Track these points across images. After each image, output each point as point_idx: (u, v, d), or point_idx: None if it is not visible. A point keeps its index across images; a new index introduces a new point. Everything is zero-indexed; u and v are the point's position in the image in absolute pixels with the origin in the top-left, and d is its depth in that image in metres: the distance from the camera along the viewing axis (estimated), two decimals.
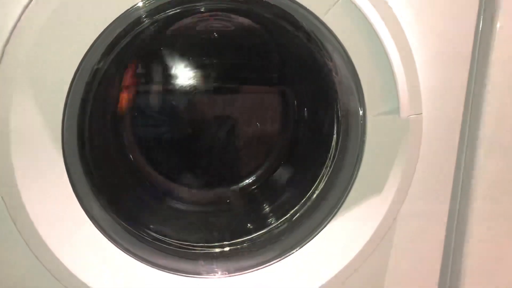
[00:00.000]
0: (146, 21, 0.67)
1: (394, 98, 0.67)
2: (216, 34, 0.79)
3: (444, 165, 0.74)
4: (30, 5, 0.58)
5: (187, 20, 0.76)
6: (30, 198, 0.62)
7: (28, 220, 0.62)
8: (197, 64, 0.81)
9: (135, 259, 0.70)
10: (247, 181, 0.88)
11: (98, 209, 0.70)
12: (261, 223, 0.82)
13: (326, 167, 0.78)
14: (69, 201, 0.65)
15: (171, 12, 0.69)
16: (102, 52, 0.64)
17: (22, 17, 0.58)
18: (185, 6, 0.69)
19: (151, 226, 0.77)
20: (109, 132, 0.79)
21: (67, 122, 0.63)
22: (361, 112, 0.69)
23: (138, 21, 0.66)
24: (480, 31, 0.72)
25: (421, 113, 0.69)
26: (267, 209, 0.84)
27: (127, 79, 0.78)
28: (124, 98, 0.79)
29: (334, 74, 0.72)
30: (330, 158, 0.77)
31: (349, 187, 0.72)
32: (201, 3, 0.70)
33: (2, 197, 0.61)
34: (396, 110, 0.68)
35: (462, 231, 0.77)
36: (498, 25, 0.71)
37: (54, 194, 0.64)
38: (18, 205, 0.61)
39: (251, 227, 0.81)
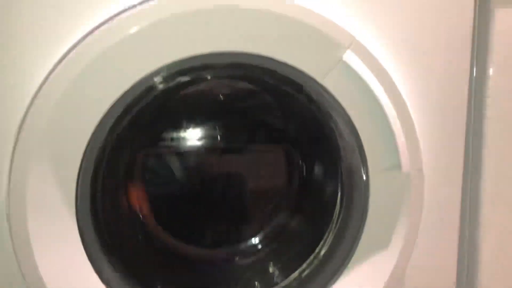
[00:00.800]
0: (158, 89, 0.71)
1: (395, 155, 0.70)
2: (222, 97, 0.83)
3: (448, 217, 0.76)
4: (47, 82, 0.62)
5: (195, 86, 0.81)
6: (45, 263, 0.64)
7: (41, 284, 0.63)
8: (205, 125, 0.85)
9: None
10: (254, 239, 0.89)
11: (110, 272, 0.71)
12: (268, 281, 0.82)
13: (333, 223, 0.79)
14: (82, 264, 0.66)
15: (181, 80, 0.74)
16: (114, 119, 0.68)
17: (39, 93, 0.62)
18: (195, 74, 0.74)
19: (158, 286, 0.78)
20: (120, 194, 0.82)
21: (81, 187, 0.65)
22: (363, 169, 0.72)
23: (150, 89, 0.70)
24: (474, 87, 0.77)
25: (421, 168, 0.71)
26: (274, 267, 0.85)
27: (138, 143, 0.82)
28: (135, 160, 0.83)
29: (335, 133, 0.75)
30: (336, 215, 0.79)
31: (356, 243, 0.73)
32: (209, 71, 0.75)
33: (18, 262, 0.63)
34: (397, 166, 0.70)
35: (471, 281, 0.78)
36: (490, 84, 0.75)
37: (68, 259, 0.66)
38: (33, 271, 0.63)
39: (258, 286, 0.81)
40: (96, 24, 0.63)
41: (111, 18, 0.63)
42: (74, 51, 0.62)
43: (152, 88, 0.70)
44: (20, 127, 0.62)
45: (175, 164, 0.86)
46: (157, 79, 0.69)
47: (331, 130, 0.76)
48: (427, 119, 0.72)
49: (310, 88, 0.71)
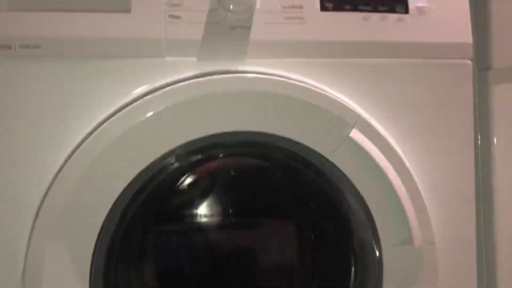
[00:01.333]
0: (171, 168, 0.73)
1: (406, 230, 0.70)
2: (233, 173, 0.85)
3: None
4: (66, 165, 0.65)
5: (206, 164, 0.83)
6: None
7: None
8: (217, 202, 0.86)
9: None
10: None
11: None
12: None
13: None
14: None
15: (194, 158, 0.76)
16: (128, 200, 0.70)
17: (60, 173, 0.65)
18: (207, 152, 0.76)
19: None
20: (132, 274, 0.82)
21: (95, 267, 0.66)
22: (376, 245, 0.72)
23: (163, 169, 0.72)
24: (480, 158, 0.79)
25: (434, 242, 0.72)
26: None
27: (150, 221, 0.83)
28: (148, 239, 0.83)
29: (346, 208, 0.76)
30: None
31: None
32: (220, 149, 0.78)
33: None
34: (409, 241, 0.70)
35: None
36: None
37: None
38: None
39: None
40: (113, 110, 0.67)
41: (125, 106, 0.67)
42: (92, 135, 0.65)
43: (165, 168, 0.73)
44: (39, 207, 0.64)
45: (187, 242, 0.86)
46: (171, 159, 0.72)
47: (341, 206, 0.77)
48: (436, 192, 0.74)
49: (320, 164, 0.73)
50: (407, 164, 0.72)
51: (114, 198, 0.66)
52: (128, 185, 0.66)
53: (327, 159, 0.70)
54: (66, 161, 0.65)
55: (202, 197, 0.86)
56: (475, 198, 0.76)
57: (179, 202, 0.86)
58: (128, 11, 0.66)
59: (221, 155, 0.81)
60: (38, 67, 0.65)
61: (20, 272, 0.64)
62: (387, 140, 0.71)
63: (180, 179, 0.82)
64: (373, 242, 0.72)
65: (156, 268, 0.85)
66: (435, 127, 0.74)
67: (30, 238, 0.64)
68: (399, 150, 0.72)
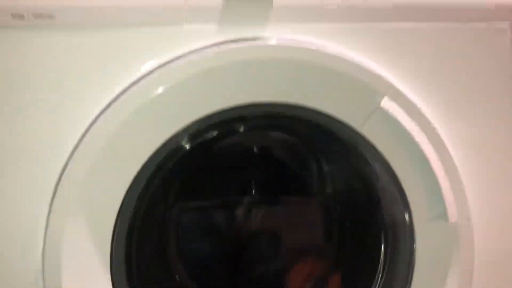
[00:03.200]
0: (191, 144, 0.71)
1: (440, 204, 0.67)
2: (256, 150, 0.82)
3: (503, 269, 0.71)
4: (82, 141, 0.62)
5: (227, 140, 0.80)
6: None
7: None
8: (239, 178, 0.83)
9: None
10: None
11: None
12: None
13: (376, 282, 0.75)
14: None
15: (214, 133, 0.73)
16: (148, 176, 0.67)
17: (80, 145, 0.62)
18: (229, 126, 0.73)
19: None
20: (154, 253, 0.80)
21: (115, 245, 0.64)
22: (407, 220, 0.68)
23: (181, 146, 0.69)
24: None
25: (470, 217, 0.68)
26: None
27: (171, 200, 0.80)
28: (168, 218, 0.81)
29: (376, 183, 0.73)
30: (380, 271, 0.75)
31: None
32: (242, 123, 0.74)
33: None
34: (444, 216, 0.67)
35: None
36: None
37: None
38: None
39: None
40: (131, 81, 0.64)
41: (143, 76, 0.64)
42: (110, 107, 0.63)
43: (185, 143, 0.70)
44: (57, 184, 0.62)
45: (209, 221, 0.84)
46: (191, 133, 0.69)
47: (371, 181, 0.73)
48: (472, 166, 0.69)
49: (348, 137, 0.70)
50: (442, 136, 0.67)
51: (134, 173, 0.64)
52: (149, 159, 0.63)
53: (356, 131, 0.67)
54: (84, 135, 0.62)
55: (224, 173, 0.83)
56: None
57: (200, 181, 0.83)
58: None
59: (242, 129, 0.77)
60: (51, 37, 0.62)
61: (40, 252, 0.62)
62: (420, 110, 0.67)
63: (201, 157, 0.80)
64: (405, 218, 0.68)
65: (178, 245, 0.83)
66: (471, 95, 0.69)
67: (48, 216, 0.62)
68: (433, 121, 0.68)
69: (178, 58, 0.63)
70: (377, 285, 0.75)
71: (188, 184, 0.82)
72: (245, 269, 0.85)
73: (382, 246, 0.75)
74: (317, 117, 0.68)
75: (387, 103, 0.65)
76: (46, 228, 0.61)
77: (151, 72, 0.63)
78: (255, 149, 0.83)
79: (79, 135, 0.62)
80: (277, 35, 0.64)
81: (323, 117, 0.67)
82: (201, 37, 0.63)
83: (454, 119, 0.69)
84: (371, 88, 0.65)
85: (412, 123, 0.66)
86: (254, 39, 0.64)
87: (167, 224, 0.81)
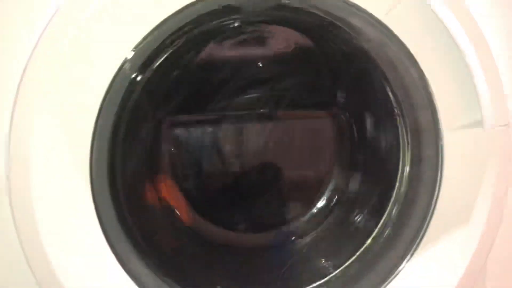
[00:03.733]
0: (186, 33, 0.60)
1: (475, 108, 0.57)
2: (259, 49, 0.71)
3: None
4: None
5: (223, 38, 0.69)
6: (51, 240, 0.53)
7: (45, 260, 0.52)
8: (238, 90, 0.73)
9: None
10: (302, 219, 0.77)
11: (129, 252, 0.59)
12: (317, 273, 0.69)
13: (395, 200, 0.66)
14: (96, 240, 0.55)
15: (205, 27, 0.63)
16: (137, 70, 0.57)
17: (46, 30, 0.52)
18: (221, 20, 0.63)
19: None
20: (143, 168, 0.71)
21: (96, 150, 0.54)
22: (434, 127, 0.59)
23: (177, 34, 0.59)
24: None
25: (508, 124, 0.58)
26: (325, 255, 0.72)
27: (162, 107, 0.70)
28: (160, 128, 0.71)
29: (399, 84, 0.62)
30: (399, 188, 0.66)
31: (427, 221, 0.60)
32: (239, 16, 0.64)
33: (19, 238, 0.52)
34: (478, 123, 0.57)
35: None
36: None
37: (81, 236, 0.55)
38: (36, 246, 0.52)
39: (305, 277, 0.68)
40: None
41: None
42: None
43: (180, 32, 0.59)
44: (24, 73, 0.52)
45: (207, 135, 0.74)
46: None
47: (393, 83, 0.63)
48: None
49: (368, 29, 0.59)
50: (482, 27, 0.57)
51: (117, 68, 0.53)
52: (137, 52, 0.53)
53: (379, 21, 0.56)
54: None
55: (219, 81, 0.73)
56: None
57: (196, 88, 0.73)
58: None
59: (237, 24, 0.66)
60: None
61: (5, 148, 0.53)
62: None
63: (197, 54, 0.69)
64: (432, 124, 0.59)
65: (171, 166, 0.74)
66: None
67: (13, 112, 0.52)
68: (472, 9, 0.57)
69: None
70: (396, 202, 0.66)
71: (180, 94, 0.72)
72: (246, 189, 0.76)
73: (401, 158, 0.66)
74: (331, 7, 0.57)
75: None
76: (10, 126, 0.52)
77: None
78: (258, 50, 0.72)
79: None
80: None
81: (339, 6, 0.56)
82: None
83: (497, 7, 0.58)
84: None
85: (447, 10, 0.55)
86: None
87: (156, 138, 0.71)
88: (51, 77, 0.52)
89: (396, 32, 0.56)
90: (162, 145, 0.73)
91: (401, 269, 0.61)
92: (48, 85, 0.51)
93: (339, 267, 0.67)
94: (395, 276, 0.61)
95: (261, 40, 0.71)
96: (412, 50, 0.57)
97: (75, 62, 0.52)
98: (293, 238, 0.76)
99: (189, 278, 0.66)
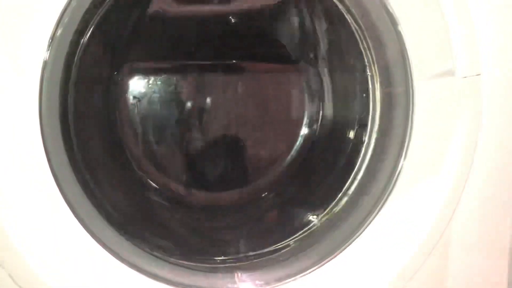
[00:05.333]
0: None
1: (447, 57, 0.56)
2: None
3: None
4: None
5: None
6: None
7: None
8: (206, 32, 0.69)
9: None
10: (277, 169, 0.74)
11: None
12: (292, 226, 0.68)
13: (365, 152, 0.65)
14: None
15: None
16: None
17: None
18: None
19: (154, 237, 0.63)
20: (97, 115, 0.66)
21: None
22: (406, 76, 0.57)
23: None
24: None
25: (480, 74, 0.58)
26: (296, 209, 0.70)
27: (121, 46, 0.65)
28: (121, 74, 0.66)
29: (370, 33, 0.60)
30: (368, 137, 0.64)
31: (397, 172, 0.59)
32: None
33: None
34: (451, 72, 0.56)
35: None
36: None
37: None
38: None
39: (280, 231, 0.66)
40: None
41: None
42: None
43: None
44: None
45: (169, 87, 0.70)
46: None
47: (366, 31, 0.61)
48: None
49: None
50: None
51: None
52: None
53: None
54: None
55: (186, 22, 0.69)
56: None
57: (157, 34, 0.68)
58: None
59: None
60: None
61: None
62: None
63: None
64: (404, 73, 0.57)
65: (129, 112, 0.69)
66: None
67: None
68: None
69: None
70: (364, 161, 0.65)
71: (140, 40, 0.67)
72: (213, 140, 0.73)
73: (370, 108, 0.64)
74: None
75: None
76: None
77: None
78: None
79: None
80: None
81: None
82: None
83: None
84: None
85: None
86: None
87: (119, 80, 0.67)
88: None
89: None
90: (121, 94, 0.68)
91: (371, 221, 0.61)
92: None
93: (308, 223, 0.66)
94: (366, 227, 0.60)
95: None
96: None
97: None
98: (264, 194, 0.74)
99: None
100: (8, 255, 0.49)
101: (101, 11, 0.56)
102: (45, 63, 0.48)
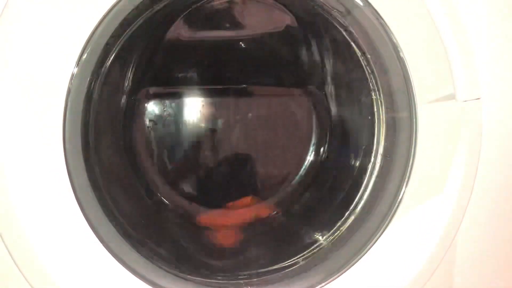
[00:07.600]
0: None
1: (449, 82, 0.59)
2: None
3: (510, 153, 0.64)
4: None
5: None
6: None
7: None
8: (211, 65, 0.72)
9: None
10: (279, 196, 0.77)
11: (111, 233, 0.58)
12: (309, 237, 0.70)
13: (371, 173, 0.67)
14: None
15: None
16: (114, 29, 0.56)
17: None
18: None
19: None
20: (118, 139, 0.69)
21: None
22: (409, 101, 0.60)
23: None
24: None
25: (479, 98, 0.60)
26: (304, 228, 0.72)
27: (138, 72, 0.69)
28: (136, 100, 0.70)
29: (374, 59, 0.64)
30: (373, 158, 0.67)
31: (402, 191, 0.62)
32: None
33: None
34: (452, 96, 0.59)
35: None
36: None
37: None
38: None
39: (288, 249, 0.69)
40: None
41: None
42: None
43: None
44: None
45: (181, 109, 0.73)
46: None
47: (371, 58, 0.64)
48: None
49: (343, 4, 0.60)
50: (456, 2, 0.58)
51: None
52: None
53: None
54: None
55: (200, 46, 0.72)
56: None
57: (172, 61, 0.72)
58: None
59: None
60: None
61: None
62: None
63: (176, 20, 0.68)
64: (407, 98, 0.60)
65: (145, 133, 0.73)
66: None
67: None
68: None
69: None
70: (370, 181, 0.68)
71: (154, 66, 0.70)
72: (222, 163, 0.76)
73: (375, 132, 0.67)
74: None
75: None
76: None
77: None
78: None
79: None
80: None
81: None
82: None
83: None
84: None
85: None
86: None
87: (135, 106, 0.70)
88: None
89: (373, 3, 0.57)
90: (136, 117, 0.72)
91: (377, 239, 0.63)
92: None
93: (316, 241, 0.68)
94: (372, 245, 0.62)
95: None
96: (389, 24, 0.58)
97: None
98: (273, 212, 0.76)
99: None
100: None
101: (120, 42, 0.59)
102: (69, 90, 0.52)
